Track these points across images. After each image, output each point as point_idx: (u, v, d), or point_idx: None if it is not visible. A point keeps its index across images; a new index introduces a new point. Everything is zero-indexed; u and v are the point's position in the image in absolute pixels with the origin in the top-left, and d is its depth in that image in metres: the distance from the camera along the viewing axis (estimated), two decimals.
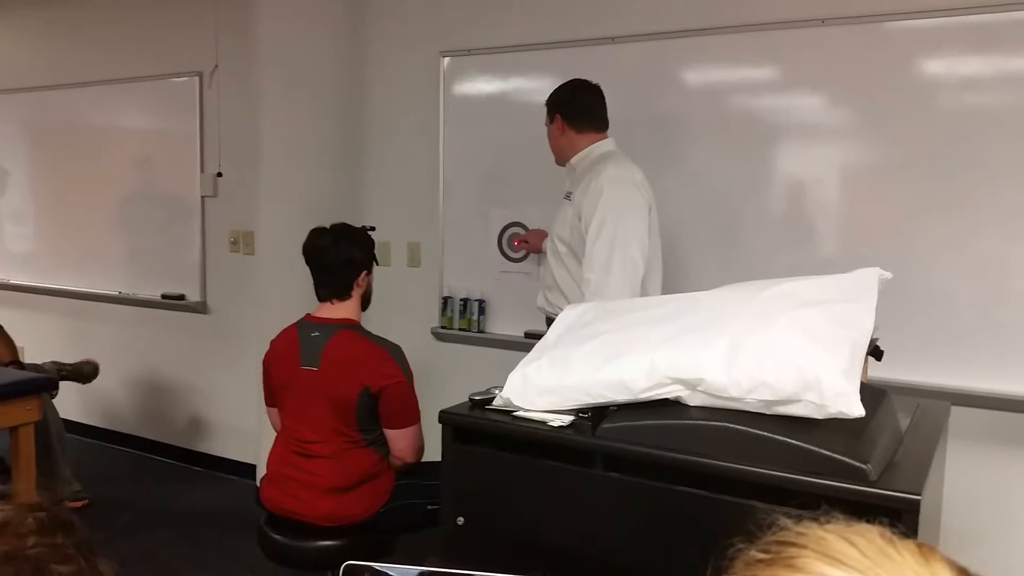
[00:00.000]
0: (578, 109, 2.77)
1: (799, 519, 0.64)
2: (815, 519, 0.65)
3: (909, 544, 0.60)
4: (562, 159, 2.83)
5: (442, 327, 3.88)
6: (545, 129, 2.85)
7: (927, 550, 0.60)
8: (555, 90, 2.83)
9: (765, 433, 1.44)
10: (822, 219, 3.05)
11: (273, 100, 3.79)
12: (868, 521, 1.34)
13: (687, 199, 3.16)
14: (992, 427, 2.78)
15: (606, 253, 2.55)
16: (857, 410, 1.39)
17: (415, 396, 2.55)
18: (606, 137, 2.78)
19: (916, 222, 2.85)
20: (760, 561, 0.61)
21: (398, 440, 2.53)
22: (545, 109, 2.83)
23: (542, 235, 3.19)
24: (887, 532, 0.61)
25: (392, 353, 2.51)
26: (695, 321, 1.64)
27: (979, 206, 2.75)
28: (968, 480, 2.72)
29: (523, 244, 3.50)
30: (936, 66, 2.82)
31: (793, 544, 0.61)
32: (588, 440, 1.58)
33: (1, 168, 5.49)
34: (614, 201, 2.58)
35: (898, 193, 2.88)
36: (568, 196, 2.76)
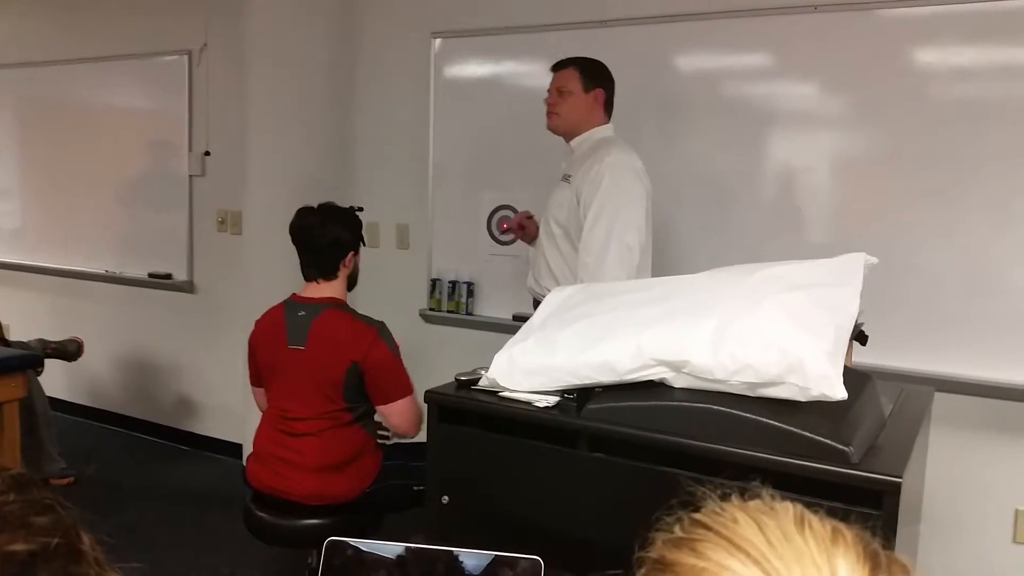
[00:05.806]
0: (612, 93, 2.76)
1: (726, 494, 0.64)
2: (744, 490, 0.65)
3: (823, 527, 0.59)
4: (572, 132, 2.74)
5: (430, 309, 3.88)
6: (538, 102, 2.77)
7: (839, 535, 0.58)
8: (596, 62, 2.74)
9: (749, 415, 1.45)
10: (813, 205, 3.06)
11: (262, 79, 3.76)
12: (850, 503, 1.34)
13: (678, 184, 3.16)
14: (975, 413, 2.80)
15: (603, 238, 2.55)
16: (840, 392, 1.40)
17: (403, 369, 2.55)
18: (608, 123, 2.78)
19: (905, 210, 2.86)
20: (671, 542, 0.61)
21: (392, 415, 2.53)
22: (580, 77, 2.68)
23: (535, 225, 2.93)
24: (806, 513, 0.60)
25: (377, 329, 2.52)
26: (681, 304, 1.64)
27: (968, 195, 2.76)
28: (950, 465, 2.75)
29: (517, 231, 3.01)
30: (928, 55, 2.82)
31: (705, 526, 0.60)
32: (573, 421, 1.59)
33: None
34: (615, 187, 2.57)
35: (888, 180, 2.89)
36: (566, 178, 2.74)
